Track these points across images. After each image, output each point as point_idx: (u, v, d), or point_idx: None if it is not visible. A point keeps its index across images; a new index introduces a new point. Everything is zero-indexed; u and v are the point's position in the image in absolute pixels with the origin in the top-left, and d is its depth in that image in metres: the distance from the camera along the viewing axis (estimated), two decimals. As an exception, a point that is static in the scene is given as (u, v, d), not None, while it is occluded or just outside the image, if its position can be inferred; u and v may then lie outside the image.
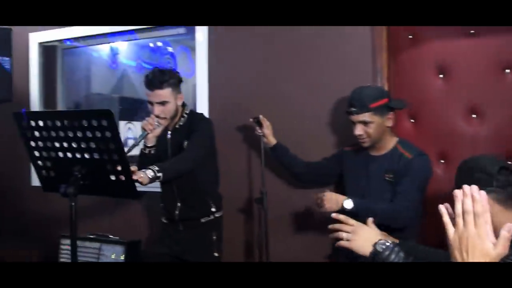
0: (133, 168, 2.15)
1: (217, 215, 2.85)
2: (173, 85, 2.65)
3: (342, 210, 2.17)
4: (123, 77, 4.62)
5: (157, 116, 2.65)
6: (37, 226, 3.73)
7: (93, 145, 2.04)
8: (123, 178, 2.05)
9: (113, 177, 2.07)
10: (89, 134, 2.02)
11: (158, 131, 2.69)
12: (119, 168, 2.04)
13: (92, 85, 4.68)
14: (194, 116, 2.82)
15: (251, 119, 2.81)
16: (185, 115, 2.78)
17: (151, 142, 2.70)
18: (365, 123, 2.38)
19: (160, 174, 2.33)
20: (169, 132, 2.78)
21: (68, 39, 3.90)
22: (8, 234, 3.88)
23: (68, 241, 3.10)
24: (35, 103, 3.88)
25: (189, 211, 2.81)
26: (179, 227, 2.85)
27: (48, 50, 4.02)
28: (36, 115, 2.18)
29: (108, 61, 4.47)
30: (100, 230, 3.23)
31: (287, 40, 2.99)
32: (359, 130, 2.40)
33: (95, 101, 4.56)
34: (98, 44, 4.13)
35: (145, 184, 2.25)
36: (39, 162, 2.26)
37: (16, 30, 3.70)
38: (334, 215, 1.76)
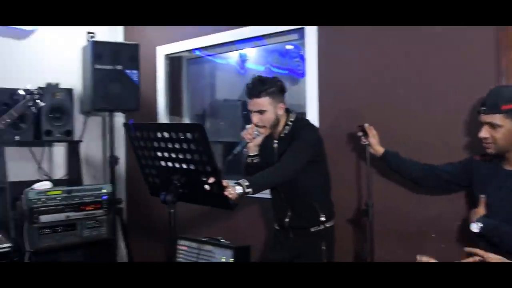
0: (225, 182, 2.17)
1: (327, 225, 2.76)
2: (272, 94, 2.63)
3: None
4: (250, 82, 4.72)
5: (256, 125, 2.65)
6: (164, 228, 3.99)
7: (188, 156, 2.12)
8: (215, 190, 2.11)
9: (207, 188, 2.13)
10: (184, 146, 2.11)
11: (258, 140, 2.69)
12: (211, 180, 2.10)
13: (218, 91, 4.86)
14: (298, 123, 2.76)
15: (358, 130, 2.67)
16: (289, 123, 2.74)
17: (252, 151, 2.71)
18: (493, 125, 2.08)
19: (249, 190, 2.32)
20: (275, 141, 2.76)
21: (196, 49, 4.09)
22: (137, 236, 4.25)
23: (184, 242, 3.28)
24: (162, 112, 4.17)
25: (299, 220, 2.76)
26: (289, 234, 2.82)
27: (173, 61, 4.30)
28: (141, 127, 2.33)
29: (236, 67, 4.60)
30: (217, 233, 3.35)
31: (402, 41, 2.79)
32: (484, 132, 2.11)
33: (220, 107, 4.74)
34: (226, 52, 4.27)
35: (236, 200, 2.26)
36: (146, 170, 2.43)
37: (144, 43, 4.04)
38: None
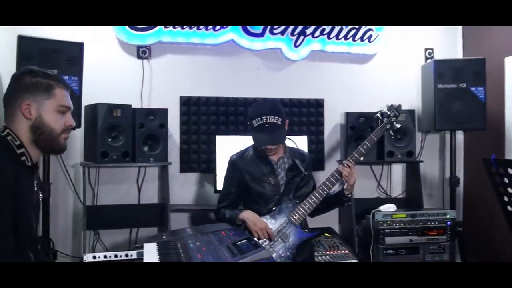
0: None
1: None
2: None
3: None
4: None
5: None
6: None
7: None
8: None
9: None
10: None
11: None
12: None
13: None
14: None
15: None
16: None
17: None
18: None
19: None
20: None
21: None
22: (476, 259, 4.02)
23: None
24: (510, 128, 3.83)
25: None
26: None
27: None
28: (505, 163, 2.18)
29: None
30: None
31: None
32: None
33: None
34: None
35: None
36: (508, 207, 2.27)
37: (489, 56, 3.79)
38: None
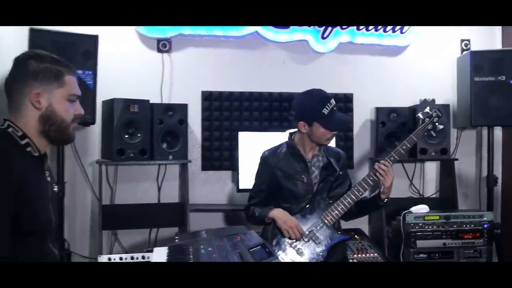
0: None
1: None
2: None
3: None
4: None
5: None
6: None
7: None
8: None
9: None
10: None
11: None
12: None
13: None
14: None
15: None
16: None
17: None
18: None
19: None
20: None
21: None
22: None
23: None
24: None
25: None
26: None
27: None
28: None
29: None
30: None
31: None
32: None
33: None
34: None
35: None
36: None
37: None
38: None
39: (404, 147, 2.58)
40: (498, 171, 4.05)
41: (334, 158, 2.69)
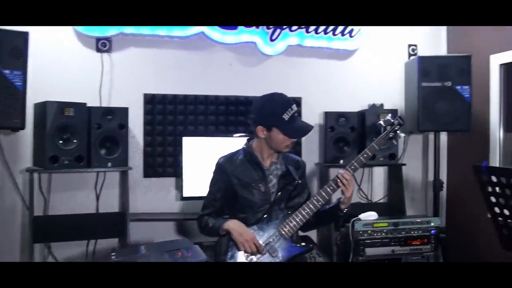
0: None
1: None
2: None
3: None
4: None
5: None
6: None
7: None
8: None
9: None
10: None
11: None
12: None
13: None
14: None
15: None
16: None
17: None
18: None
19: None
20: None
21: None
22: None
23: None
24: (495, 130, 3.65)
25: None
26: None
27: (510, 71, 3.70)
28: (497, 171, 2.03)
29: None
30: None
31: None
32: None
33: None
34: None
35: None
36: (500, 220, 2.14)
37: (474, 54, 3.61)
38: None
39: (365, 155, 2.49)
40: (443, 175, 4.11)
41: (293, 166, 2.58)
